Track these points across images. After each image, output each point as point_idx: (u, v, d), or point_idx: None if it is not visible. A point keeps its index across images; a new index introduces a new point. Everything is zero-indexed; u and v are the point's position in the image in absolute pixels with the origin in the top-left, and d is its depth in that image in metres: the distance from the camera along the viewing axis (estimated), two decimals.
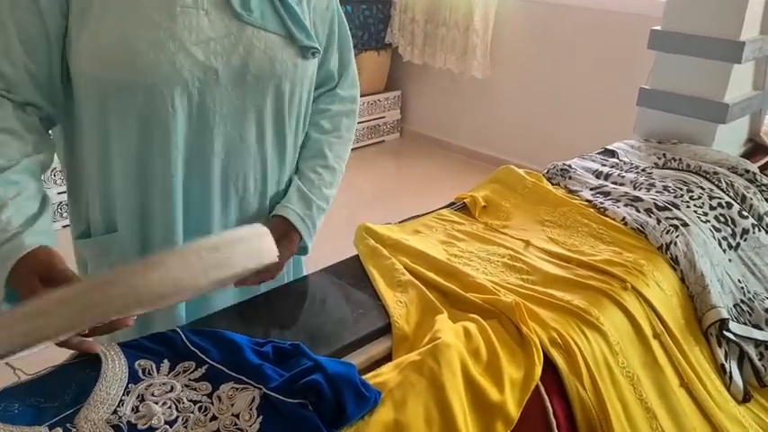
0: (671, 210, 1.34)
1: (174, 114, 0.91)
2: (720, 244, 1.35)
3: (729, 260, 1.35)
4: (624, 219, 1.31)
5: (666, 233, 1.27)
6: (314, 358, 0.80)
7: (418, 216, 1.32)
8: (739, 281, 1.32)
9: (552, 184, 1.47)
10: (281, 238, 1.01)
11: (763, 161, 1.80)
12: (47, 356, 0.95)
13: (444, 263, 1.11)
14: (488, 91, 3.86)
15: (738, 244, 1.39)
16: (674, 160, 1.60)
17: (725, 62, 1.61)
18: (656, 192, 1.43)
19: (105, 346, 0.83)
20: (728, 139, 1.76)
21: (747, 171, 1.59)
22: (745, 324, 1.27)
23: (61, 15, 0.88)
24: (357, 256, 1.16)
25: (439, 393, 0.80)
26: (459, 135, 4.13)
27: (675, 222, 1.30)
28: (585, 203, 1.38)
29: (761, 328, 1.27)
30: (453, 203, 1.39)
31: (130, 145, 0.94)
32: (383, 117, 4.30)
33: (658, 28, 1.71)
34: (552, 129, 3.59)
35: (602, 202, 1.37)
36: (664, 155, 1.63)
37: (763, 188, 1.56)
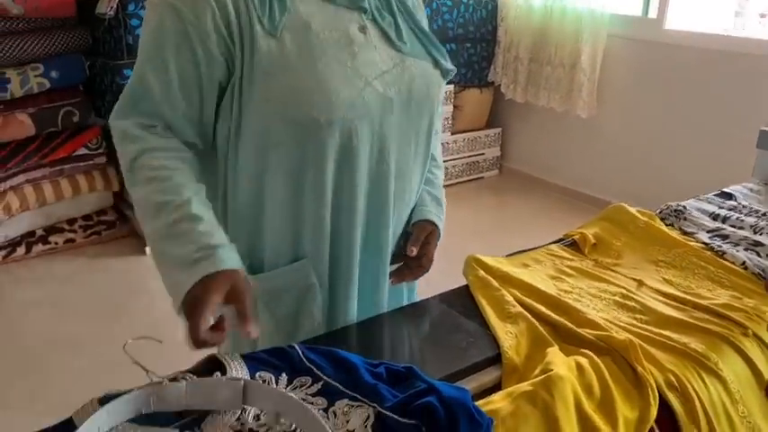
0: None
1: (360, 144, 0.99)
2: None
3: None
4: (744, 263, 1.26)
5: None
6: (428, 381, 0.81)
7: (527, 250, 1.32)
8: None
9: (665, 225, 1.43)
10: (429, 237, 1.11)
11: None
12: (172, 359, 1.01)
13: (555, 297, 1.10)
14: (593, 130, 3.80)
15: None
16: None
17: None
18: None
19: (228, 355, 0.87)
20: None
21: None
22: None
23: (224, 65, 0.95)
24: (466, 286, 1.17)
25: (552, 426, 0.79)
26: (559, 174, 4.07)
27: None
28: (702, 246, 1.33)
29: None
30: (562, 239, 1.38)
31: (325, 176, 0.99)
32: (483, 154, 4.31)
33: None
34: (659, 170, 3.49)
35: (719, 245, 1.32)
36: None
37: None
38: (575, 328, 1.01)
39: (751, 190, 1.66)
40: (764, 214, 1.50)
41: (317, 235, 1.03)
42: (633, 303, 1.13)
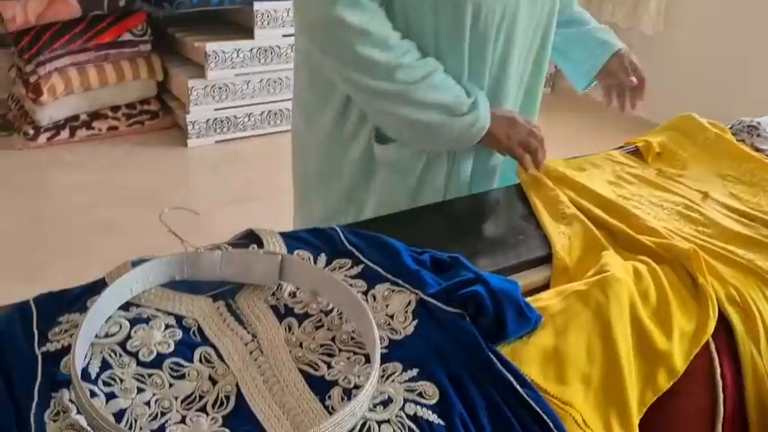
0: None
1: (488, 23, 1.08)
2: None
3: None
4: None
5: None
6: (475, 271, 0.76)
7: (585, 156, 1.24)
8: None
9: (737, 141, 1.33)
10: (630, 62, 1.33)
11: None
12: (210, 234, 0.99)
13: (613, 201, 1.03)
14: (658, 48, 3.60)
15: None
16: None
17: None
18: None
19: (268, 231, 0.83)
20: None
21: None
22: None
23: None
24: (519, 185, 1.10)
25: (604, 327, 0.74)
26: None
27: None
28: None
29: None
30: (623, 147, 1.29)
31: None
32: None
33: None
34: (728, 90, 3.30)
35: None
36: None
37: None
38: (633, 233, 0.95)
39: None
40: None
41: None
42: (697, 215, 1.05)
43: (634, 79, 1.27)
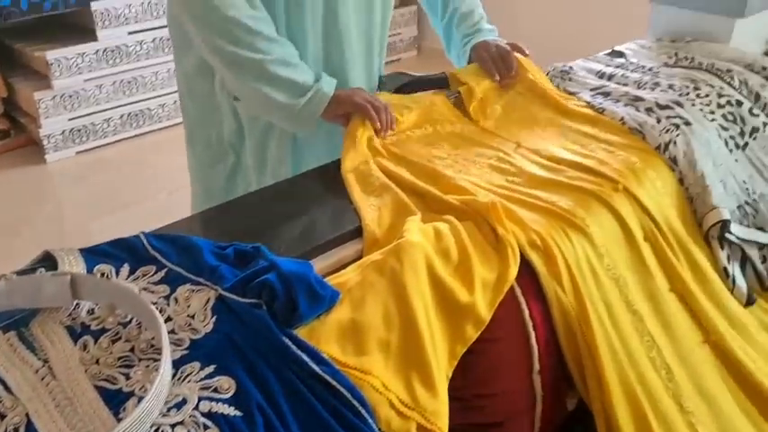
0: (673, 108, 1.26)
1: None
2: (727, 144, 1.28)
3: (736, 160, 1.28)
4: (623, 118, 1.24)
5: (666, 132, 1.20)
6: (270, 258, 0.77)
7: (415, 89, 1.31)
8: (744, 182, 1.26)
9: (553, 85, 1.40)
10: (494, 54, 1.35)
11: None
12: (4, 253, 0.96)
13: (425, 165, 1.06)
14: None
15: (747, 143, 1.31)
16: (686, 59, 1.51)
17: None
18: (661, 90, 1.35)
19: (65, 250, 0.81)
20: (750, 36, 1.64)
21: (764, 68, 1.49)
22: (748, 227, 1.21)
23: None
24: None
25: (400, 292, 0.77)
26: None
27: (677, 121, 1.23)
28: (584, 104, 1.31)
29: (765, 231, 1.21)
30: (449, 90, 1.34)
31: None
32: (399, 34, 4.17)
33: None
34: (571, 33, 3.43)
35: (600, 103, 1.30)
36: (675, 54, 1.53)
37: None
38: (441, 194, 0.99)
39: (642, 46, 1.63)
40: (650, 69, 1.47)
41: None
42: (507, 166, 1.10)
43: (497, 77, 1.33)
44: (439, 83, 1.38)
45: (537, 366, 0.91)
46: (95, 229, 2.59)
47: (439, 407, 0.73)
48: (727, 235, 1.13)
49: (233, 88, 1.21)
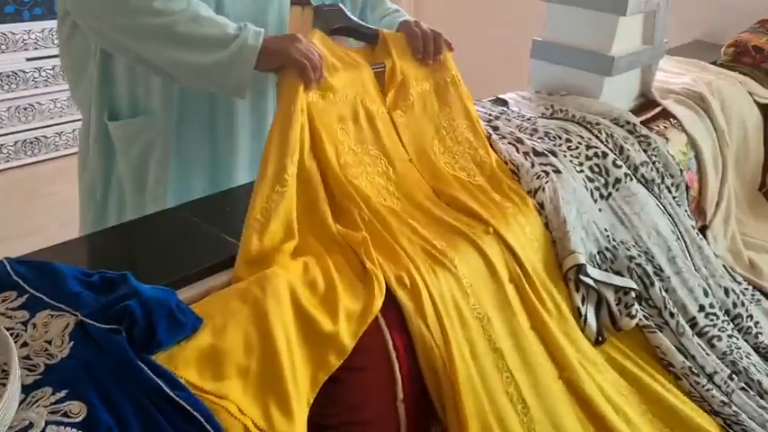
0: (547, 156, 1.36)
1: None
2: (592, 194, 1.39)
3: (600, 210, 1.38)
4: (504, 157, 1.33)
5: (537, 178, 1.29)
6: (133, 285, 0.78)
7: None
8: (606, 229, 1.35)
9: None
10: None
11: (652, 113, 1.84)
12: None
13: (328, 157, 1.08)
14: None
15: (610, 194, 1.42)
16: (561, 111, 1.63)
17: (611, 14, 1.63)
18: (538, 138, 1.46)
19: None
20: (618, 93, 1.79)
21: (628, 122, 1.63)
22: (606, 270, 1.30)
23: None
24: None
25: (261, 321, 0.80)
26: None
27: (548, 169, 1.32)
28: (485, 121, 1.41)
29: (622, 275, 1.30)
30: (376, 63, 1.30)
31: None
32: None
33: None
34: (476, 83, 3.59)
35: (489, 134, 1.39)
36: (552, 106, 1.65)
37: (641, 139, 1.59)
38: (326, 218, 1.01)
39: (523, 97, 1.74)
40: (529, 119, 1.58)
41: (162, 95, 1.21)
42: (393, 188, 1.15)
43: (420, 54, 1.29)
44: (370, 38, 1.31)
45: (401, 395, 0.95)
46: None
47: (294, 431, 0.76)
48: (582, 277, 1.22)
49: (157, 65, 1.11)
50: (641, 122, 1.73)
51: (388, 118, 1.24)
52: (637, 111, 1.84)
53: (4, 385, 0.69)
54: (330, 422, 0.89)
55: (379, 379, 0.94)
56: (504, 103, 1.69)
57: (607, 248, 1.34)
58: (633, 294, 1.26)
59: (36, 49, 2.99)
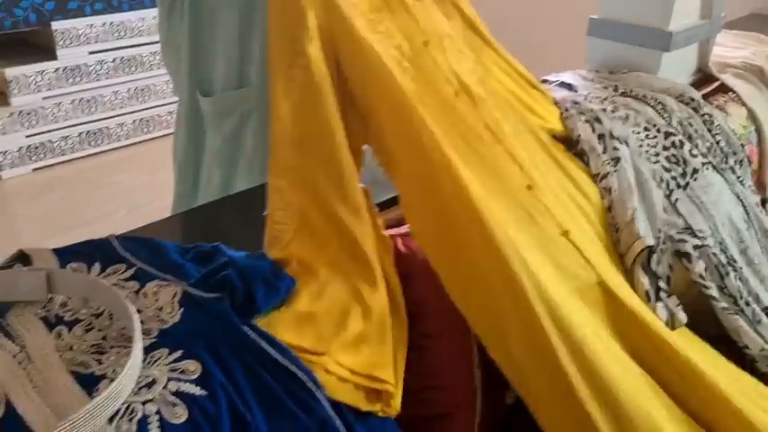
0: (621, 143, 1.34)
1: None
2: (668, 184, 1.37)
3: (677, 199, 1.36)
4: (579, 136, 1.34)
5: (607, 164, 1.29)
6: (228, 255, 0.84)
7: None
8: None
9: None
10: None
11: (710, 88, 1.83)
12: None
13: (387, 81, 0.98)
14: None
15: (688, 183, 1.40)
16: (628, 91, 1.62)
17: None
18: (619, 117, 1.44)
19: (38, 249, 0.87)
20: (676, 68, 1.79)
21: (693, 99, 1.62)
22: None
23: None
24: None
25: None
26: None
27: (619, 155, 1.31)
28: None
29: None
30: None
31: None
32: None
33: None
34: (535, 62, 3.59)
35: (567, 109, 1.40)
36: (616, 86, 1.66)
37: (705, 117, 1.59)
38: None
39: (585, 78, 1.73)
40: (605, 99, 1.56)
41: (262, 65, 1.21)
42: (409, 65, 1.03)
43: None
44: None
45: (476, 361, 1.00)
46: (50, 246, 2.59)
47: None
48: (652, 261, 1.19)
49: None
50: (702, 97, 1.74)
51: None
52: (695, 86, 1.84)
53: (126, 347, 0.76)
54: (412, 387, 0.94)
55: (456, 346, 0.98)
56: (570, 87, 1.69)
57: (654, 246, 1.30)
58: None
59: (97, 42, 3.10)
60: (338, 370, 0.77)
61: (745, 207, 1.47)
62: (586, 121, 1.39)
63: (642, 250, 1.22)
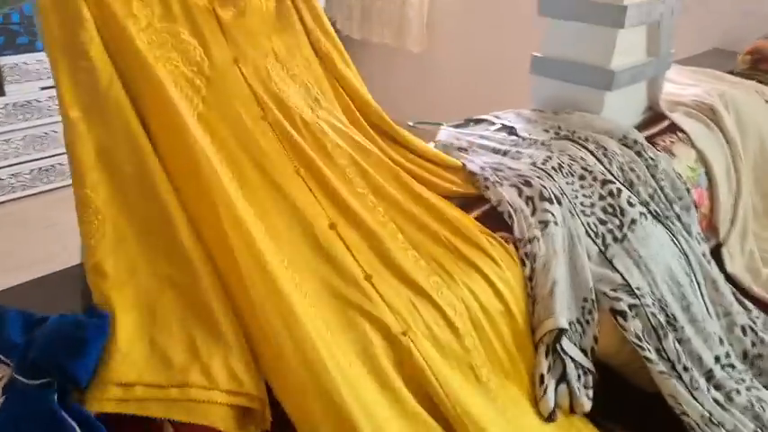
0: (552, 203, 1.24)
1: None
2: (605, 238, 1.29)
3: (613, 255, 1.28)
4: (500, 201, 1.24)
5: (535, 227, 1.20)
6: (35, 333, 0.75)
7: None
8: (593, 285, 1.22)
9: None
10: None
11: (659, 127, 1.76)
12: None
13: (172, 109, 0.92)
14: (426, 65, 3.80)
15: (625, 236, 1.31)
16: (569, 132, 1.54)
17: (609, 27, 1.57)
18: (552, 167, 1.35)
19: None
20: (622, 107, 1.72)
21: (636, 142, 1.55)
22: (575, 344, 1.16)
23: None
24: None
25: None
26: (399, 111, 4.04)
27: (549, 218, 1.22)
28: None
29: (585, 353, 1.16)
30: None
31: None
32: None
33: None
34: (489, 101, 3.53)
35: (487, 177, 1.28)
36: (559, 126, 1.58)
37: (649, 162, 1.51)
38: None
39: (528, 119, 1.63)
40: (542, 143, 1.46)
41: None
42: (204, 85, 0.98)
43: None
44: None
45: None
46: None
47: None
48: (559, 346, 1.10)
49: None
50: (648, 137, 1.66)
51: (209, 9, 1.02)
52: (644, 125, 1.77)
53: None
54: None
55: None
56: (512, 129, 1.60)
57: (579, 321, 1.18)
58: (591, 379, 1.13)
59: (49, 78, 3.02)
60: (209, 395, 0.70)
61: (688, 258, 1.38)
62: (512, 185, 1.28)
63: (552, 330, 1.11)
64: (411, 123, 1.61)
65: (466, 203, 1.24)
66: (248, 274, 0.80)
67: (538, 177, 1.29)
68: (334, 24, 4.06)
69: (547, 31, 1.70)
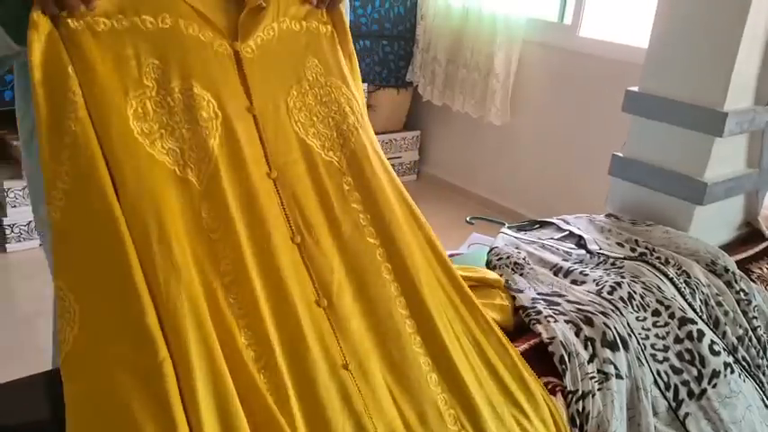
0: (618, 350, 1.04)
1: None
2: (678, 392, 1.07)
3: (687, 414, 1.06)
4: (552, 339, 1.03)
5: (590, 379, 1.00)
6: None
7: None
8: None
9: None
10: None
11: (756, 249, 1.53)
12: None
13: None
14: (506, 139, 3.63)
15: (704, 391, 1.09)
16: (648, 250, 1.33)
17: (705, 134, 1.36)
18: (620, 298, 1.14)
19: None
20: (714, 223, 1.50)
21: (727, 270, 1.32)
22: None
23: None
24: None
25: None
26: (475, 182, 3.89)
27: (610, 369, 1.02)
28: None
29: None
30: None
31: None
32: (400, 157, 4.11)
33: (635, 89, 1.48)
34: (570, 181, 3.32)
35: (539, 311, 1.08)
36: (636, 241, 1.36)
37: (741, 295, 1.28)
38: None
39: (602, 229, 1.43)
40: (613, 264, 1.26)
41: None
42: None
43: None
44: None
45: None
46: (43, 325, 2.43)
47: None
48: None
49: None
50: (741, 262, 1.43)
51: (230, 52, 0.93)
52: (738, 245, 1.54)
53: None
54: None
55: None
56: (580, 239, 1.40)
57: None
58: None
59: None
60: None
61: None
62: (568, 321, 1.07)
63: None
64: (468, 219, 1.44)
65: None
66: None
67: (602, 313, 1.08)
68: (415, 88, 3.97)
69: (632, 130, 1.51)
